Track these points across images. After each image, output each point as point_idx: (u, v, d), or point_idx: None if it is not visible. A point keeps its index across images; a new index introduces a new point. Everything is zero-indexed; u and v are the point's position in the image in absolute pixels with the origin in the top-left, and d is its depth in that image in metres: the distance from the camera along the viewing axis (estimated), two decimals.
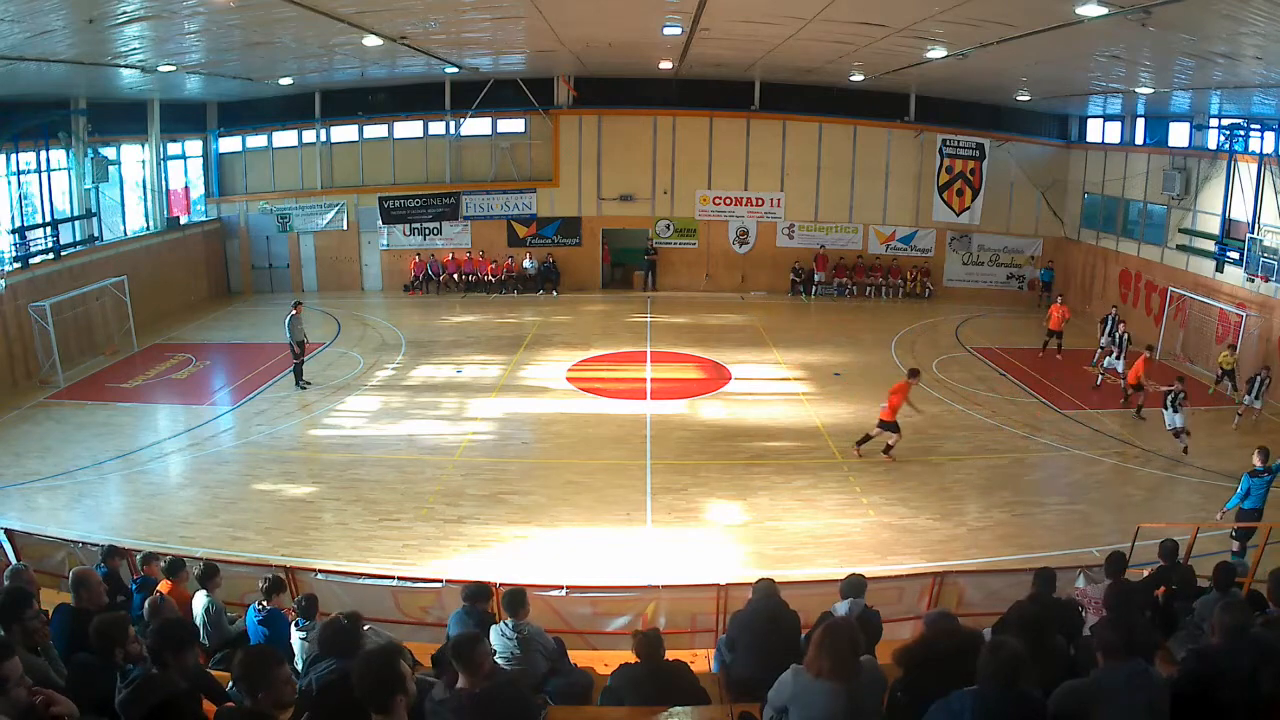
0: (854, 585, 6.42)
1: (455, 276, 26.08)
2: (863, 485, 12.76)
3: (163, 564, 7.12)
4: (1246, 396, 15.63)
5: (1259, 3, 9.47)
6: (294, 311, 16.91)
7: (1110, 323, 18.31)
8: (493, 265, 26.09)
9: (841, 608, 6.14)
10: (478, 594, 6.38)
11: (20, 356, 16.94)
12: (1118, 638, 3.87)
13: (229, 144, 25.88)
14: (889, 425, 13.66)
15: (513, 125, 26.39)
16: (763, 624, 5.63)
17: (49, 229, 18.70)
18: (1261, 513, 10.20)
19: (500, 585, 7.52)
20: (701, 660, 6.89)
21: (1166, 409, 14.27)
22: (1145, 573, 7.68)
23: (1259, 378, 15.42)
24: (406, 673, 3.30)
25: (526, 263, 26.10)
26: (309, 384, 17.20)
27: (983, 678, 3.62)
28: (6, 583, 5.49)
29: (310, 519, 11.47)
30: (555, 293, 25.99)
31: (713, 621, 7.99)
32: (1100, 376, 18.06)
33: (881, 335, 21.62)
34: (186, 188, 24.66)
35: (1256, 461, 10.18)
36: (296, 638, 6.27)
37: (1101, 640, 3.95)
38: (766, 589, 5.98)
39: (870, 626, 5.93)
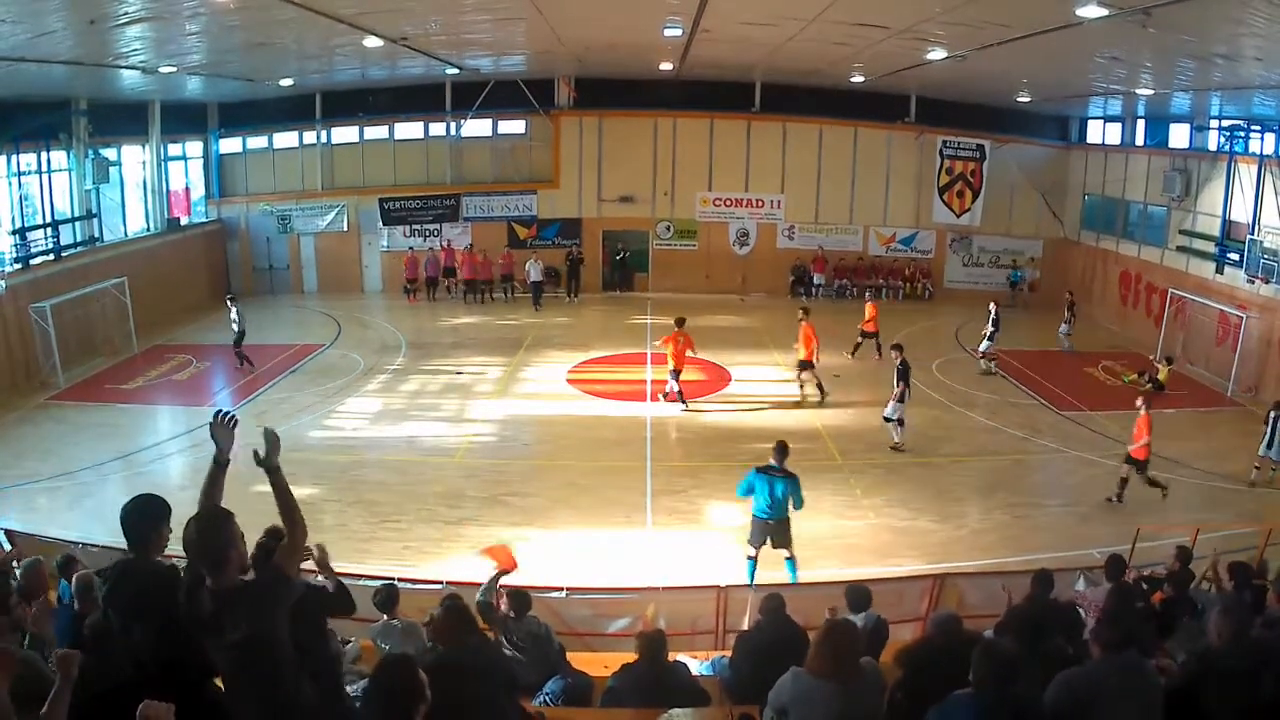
0: (863, 596, 6.39)
1: (448, 275, 25.34)
2: (863, 487, 12.76)
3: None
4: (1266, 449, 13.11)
5: (1259, 4, 9.48)
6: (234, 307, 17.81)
7: (994, 311, 18.70)
8: (476, 262, 25.10)
9: (855, 621, 6.08)
10: (389, 599, 6.30)
11: (21, 358, 16.94)
12: (1113, 631, 3.90)
13: (230, 145, 25.87)
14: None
15: (513, 126, 26.37)
16: (774, 649, 5.40)
17: (49, 230, 18.69)
18: (786, 524, 9.34)
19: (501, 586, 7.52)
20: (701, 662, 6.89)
21: (900, 400, 13.99)
22: (1149, 572, 7.69)
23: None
24: (425, 680, 3.27)
25: (530, 266, 24.36)
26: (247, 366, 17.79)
27: (978, 681, 3.63)
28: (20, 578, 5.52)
29: (311, 520, 11.19)
30: (576, 296, 25.41)
31: (713, 623, 7.98)
32: (983, 363, 18.77)
33: (882, 336, 21.54)
34: (187, 189, 24.66)
35: (773, 459, 9.36)
36: None
37: (1097, 633, 3.98)
38: (775, 608, 5.87)
39: (879, 636, 5.93)
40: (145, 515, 3.83)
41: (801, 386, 16.66)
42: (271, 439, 3.70)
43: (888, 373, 18.47)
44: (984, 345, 18.71)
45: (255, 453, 3.66)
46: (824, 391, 16.47)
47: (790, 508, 9.36)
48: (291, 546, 3.55)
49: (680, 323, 16.11)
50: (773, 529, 9.38)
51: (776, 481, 9.25)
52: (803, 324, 16.37)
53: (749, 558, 9.57)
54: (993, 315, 18.48)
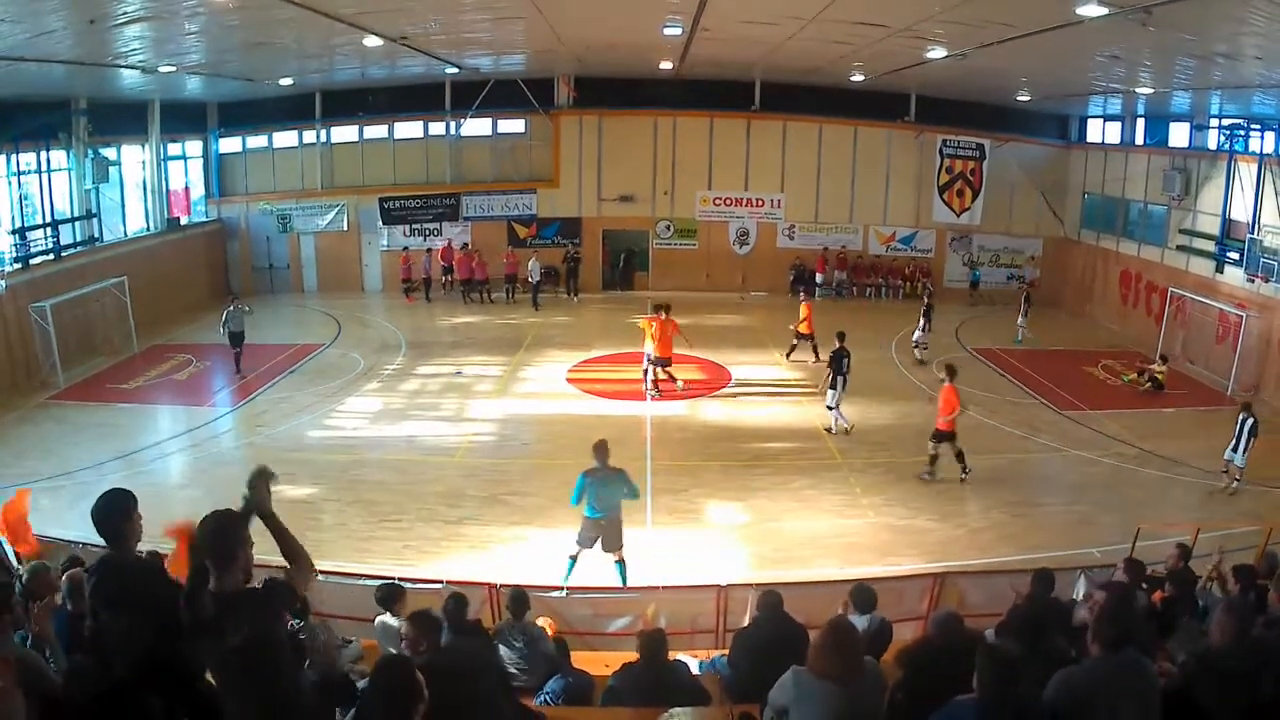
0: (869, 597, 6.38)
1: (447, 273, 25.38)
2: (862, 486, 12.76)
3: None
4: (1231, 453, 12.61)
5: (1260, 2, 9.49)
6: (232, 306, 17.68)
7: (926, 300, 19.77)
8: (485, 264, 25.05)
9: (860, 623, 6.07)
10: (389, 596, 6.35)
11: (21, 357, 16.92)
12: (1111, 629, 3.89)
13: (229, 144, 25.86)
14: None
15: (513, 126, 26.35)
16: (773, 648, 5.41)
17: (49, 230, 18.68)
18: (617, 524, 9.25)
19: (501, 586, 7.54)
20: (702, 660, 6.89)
21: (832, 387, 14.67)
22: (1149, 571, 7.68)
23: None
24: (423, 681, 3.28)
25: (531, 265, 24.33)
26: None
27: (980, 685, 3.62)
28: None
29: (311, 520, 11.43)
30: (576, 295, 25.51)
31: (713, 622, 7.99)
32: (916, 349, 19.54)
33: (881, 335, 21.59)
34: (187, 188, 24.66)
35: (595, 460, 9.20)
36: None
37: (1095, 630, 3.98)
38: (773, 604, 5.87)
39: (883, 638, 5.91)
40: (115, 508, 3.94)
41: (656, 382, 16.83)
42: (261, 482, 3.71)
43: (887, 373, 18.69)
44: (916, 334, 19.32)
45: (245, 499, 3.67)
46: (676, 381, 16.92)
47: (621, 504, 9.30)
48: (300, 579, 3.59)
49: (664, 309, 16.66)
50: (604, 529, 9.26)
51: (603, 483, 9.14)
52: (665, 320, 16.57)
53: (571, 557, 9.44)
54: (924, 306, 19.35)
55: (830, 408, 14.79)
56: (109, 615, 3.84)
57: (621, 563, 9.41)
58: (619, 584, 9.11)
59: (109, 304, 19.27)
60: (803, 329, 18.72)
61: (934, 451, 12.85)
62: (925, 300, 19.40)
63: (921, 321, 19.28)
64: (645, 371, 16.78)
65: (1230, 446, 12.55)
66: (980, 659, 3.65)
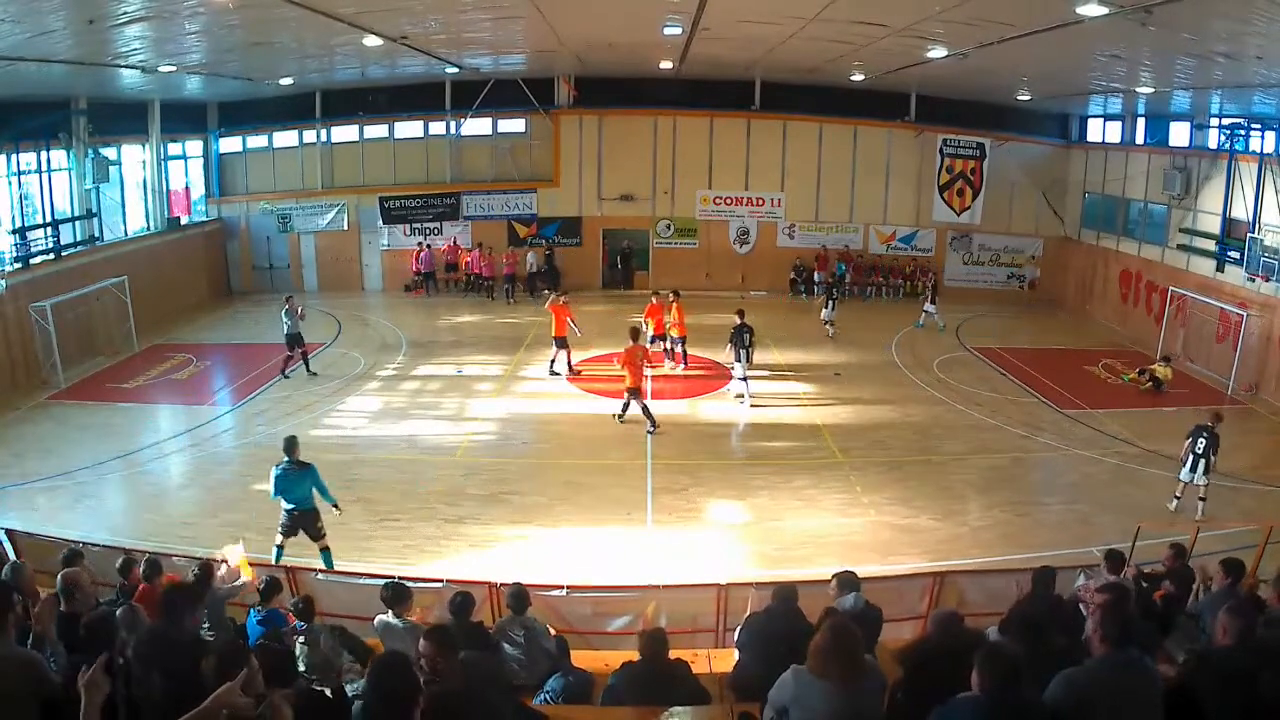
0: (849, 582, 6.38)
1: (449, 271, 25.78)
2: (863, 485, 12.76)
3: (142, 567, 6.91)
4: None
5: (1260, 3, 9.48)
6: (289, 305, 17.35)
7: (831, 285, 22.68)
8: (482, 262, 25.41)
9: (847, 601, 6.07)
10: (396, 596, 6.37)
11: (21, 357, 16.92)
12: (1114, 628, 3.89)
13: (229, 144, 25.85)
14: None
15: (513, 125, 26.34)
16: (779, 643, 5.38)
17: (50, 229, 18.66)
18: (313, 515, 9.52)
19: (501, 585, 7.54)
20: (702, 660, 6.90)
21: (737, 359, 16.23)
22: (1149, 569, 7.69)
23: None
24: (420, 679, 3.29)
25: (529, 257, 25.30)
26: (315, 373, 17.70)
27: (981, 684, 3.62)
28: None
29: None
30: (550, 292, 25.81)
31: (713, 621, 7.99)
32: (829, 328, 21.22)
33: (881, 335, 21.61)
34: (187, 188, 24.64)
35: (285, 455, 9.48)
36: (297, 642, 6.24)
37: (1097, 630, 3.98)
38: (787, 599, 5.87)
39: (870, 623, 5.91)
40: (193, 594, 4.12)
41: (552, 364, 18.18)
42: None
43: (887, 372, 18.70)
44: (825, 314, 21.23)
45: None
46: (573, 369, 18.14)
47: (317, 498, 9.63)
48: None
49: (676, 294, 18.26)
50: (299, 520, 9.57)
51: (290, 476, 9.44)
52: (554, 305, 17.93)
53: (277, 546, 9.68)
54: (827, 288, 22.73)
55: (741, 379, 16.25)
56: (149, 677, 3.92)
57: (326, 550, 9.69)
58: (324, 567, 9.22)
59: (109, 304, 19.26)
60: (659, 330, 18.40)
61: (626, 401, 14.71)
62: (829, 283, 22.81)
63: (828, 302, 21.41)
64: (555, 358, 18.10)
65: (1188, 467, 11.86)
66: (980, 659, 3.65)
